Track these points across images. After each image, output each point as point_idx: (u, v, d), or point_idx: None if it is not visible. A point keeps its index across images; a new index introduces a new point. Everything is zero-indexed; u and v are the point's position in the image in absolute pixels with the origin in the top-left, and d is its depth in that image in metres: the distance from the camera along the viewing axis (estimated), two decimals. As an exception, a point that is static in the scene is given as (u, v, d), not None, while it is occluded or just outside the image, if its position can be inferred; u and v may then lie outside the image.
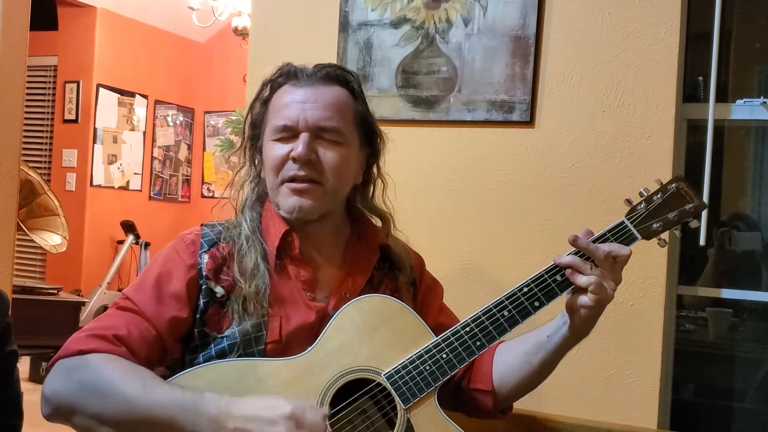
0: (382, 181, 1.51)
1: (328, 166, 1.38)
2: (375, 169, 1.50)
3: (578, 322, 1.35)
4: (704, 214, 1.85)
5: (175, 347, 1.37)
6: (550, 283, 1.35)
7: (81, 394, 1.24)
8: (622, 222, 1.38)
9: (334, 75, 1.42)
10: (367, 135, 1.47)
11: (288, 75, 1.43)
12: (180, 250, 1.40)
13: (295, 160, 1.36)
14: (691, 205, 1.38)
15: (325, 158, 1.37)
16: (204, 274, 1.37)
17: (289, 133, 1.38)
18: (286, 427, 1.17)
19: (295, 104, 1.38)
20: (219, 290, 1.37)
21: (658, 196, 1.38)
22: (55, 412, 1.27)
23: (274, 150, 1.39)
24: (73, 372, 1.26)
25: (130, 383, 1.22)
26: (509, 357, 1.46)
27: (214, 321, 1.36)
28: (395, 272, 1.49)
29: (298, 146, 1.36)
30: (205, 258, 1.39)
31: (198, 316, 1.36)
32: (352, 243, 1.48)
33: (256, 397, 1.23)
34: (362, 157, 1.47)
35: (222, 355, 1.34)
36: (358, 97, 1.45)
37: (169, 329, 1.34)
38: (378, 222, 1.53)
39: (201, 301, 1.36)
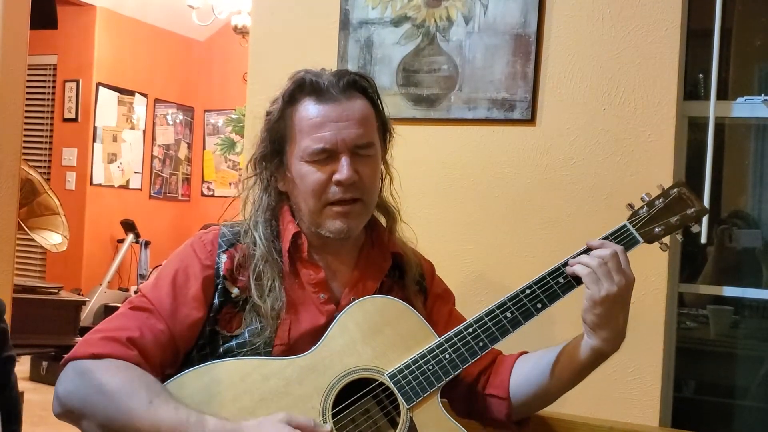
0: (389, 174, 1.51)
1: (368, 181, 1.39)
2: (383, 164, 1.49)
3: (589, 330, 1.34)
4: (705, 212, 1.86)
5: (187, 346, 1.37)
6: (553, 285, 1.35)
7: (90, 401, 1.25)
8: (624, 225, 1.39)
9: (353, 84, 1.40)
10: (384, 135, 1.47)
11: (310, 89, 1.39)
12: (198, 248, 1.40)
13: (339, 183, 1.35)
14: (692, 210, 1.39)
15: (364, 174, 1.38)
16: (221, 273, 1.38)
17: (327, 155, 1.36)
18: None
19: (329, 124, 1.36)
20: (235, 291, 1.38)
21: (660, 200, 1.40)
22: (66, 412, 1.29)
23: (312, 174, 1.37)
24: (85, 376, 1.27)
25: (137, 397, 1.23)
26: (528, 367, 1.46)
27: (226, 320, 1.37)
28: (405, 280, 1.50)
29: (343, 170, 1.35)
30: (223, 258, 1.39)
31: (211, 314, 1.36)
32: (366, 249, 1.48)
33: (257, 421, 1.23)
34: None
35: (229, 353, 1.35)
36: (377, 103, 1.44)
37: (183, 328, 1.35)
38: (382, 219, 1.53)
39: (216, 300, 1.37)
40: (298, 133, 1.38)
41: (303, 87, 1.40)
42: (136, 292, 1.43)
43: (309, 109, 1.38)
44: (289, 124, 1.40)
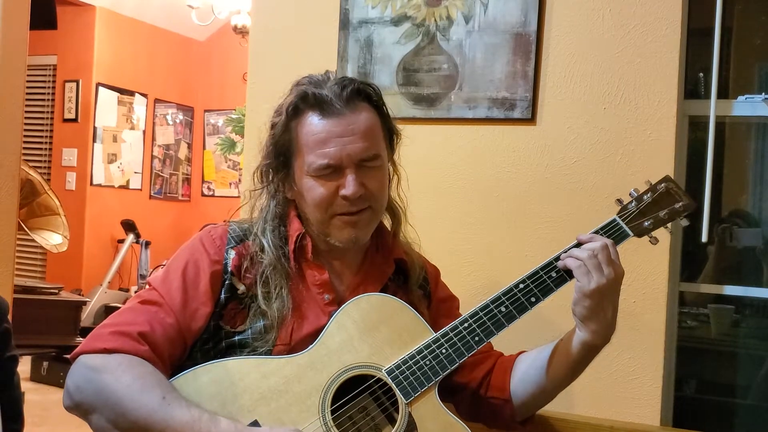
0: (397, 174, 1.51)
1: (375, 191, 1.39)
2: (390, 165, 1.49)
3: (579, 323, 1.35)
4: (706, 210, 1.86)
5: (194, 340, 1.37)
6: (546, 279, 1.38)
7: (100, 398, 1.25)
8: (614, 220, 1.42)
9: (357, 94, 1.39)
10: (391, 139, 1.47)
11: (313, 101, 1.37)
12: (207, 243, 1.41)
13: (345, 198, 1.36)
14: (680, 204, 1.43)
15: (371, 185, 1.38)
16: (229, 269, 1.38)
17: (332, 170, 1.36)
18: None
19: (333, 140, 1.35)
20: (241, 288, 1.38)
21: (648, 195, 1.43)
22: (76, 406, 1.29)
23: (318, 188, 1.37)
24: (95, 373, 1.27)
25: (149, 394, 1.23)
26: (525, 366, 1.47)
27: (230, 316, 1.38)
28: (409, 285, 1.50)
29: (349, 186, 1.35)
30: (232, 254, 1.40)
31: (217, 309, 1.37)
32: (370, 253, 1.49)
33: (269, 427, 1.24)
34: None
35: (231, 349, 1.36)
36: (381, 110, 1.43)
37: (192, 323, 1.35)
38: (387, 221, 1.53)
39: (222, 296, 1.37)
40: (304, 146, 1.38)
41: (306, 99, 1.38)
42: (138, 291, 1.43)
43: (313, 124, 1.37)
44: (294, 138, 1.39)
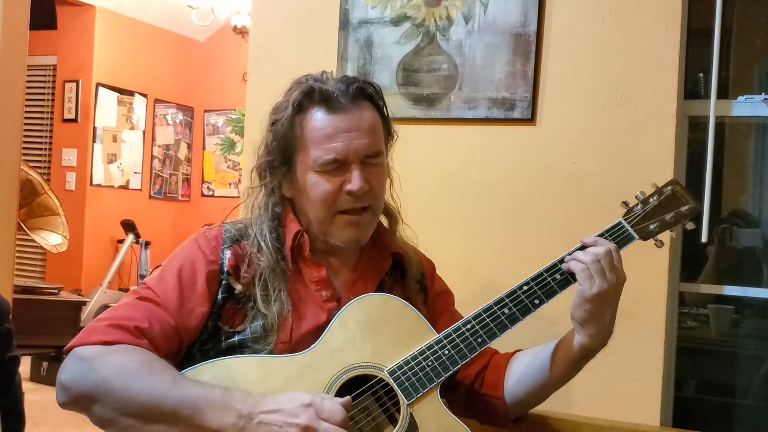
0: (389, 176, 1.51)
1: (377, 188, 1.40)
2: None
3: (577, 326, 1.36)
4: (706, 210, 1.86)
5: (190, 341, 1.37)
6: (550, 282, 1.38)
7: (106, 384, 1.24)
8: (620, 222, 1.41)
9: (361, 92, 1.40)
10: (388, 140, 1.48)
11: (319, 97, 1.38)
12: (202, 244, 1.40)
13: (351, 193, 1.36)
14: (686, 207, 1.42)
15: (374, 183, 1.39)
16: (225, 269, 1.38)
17: (337, 165, 1.37)
18: (306, 415, 1.19)
19: (340, 135, 1.36)
20: (238, 287, 1.38)
21: (654, 198, 1.42)
22: (74, 400, 1.27)
23: (323, 183, 1.37)
24: (96, 361, 1.26)
25: (159, 375, 1.23)
26: (522, 365, 1.47)
27: (229, 316, 1.37)
28: (406, 279, 1.51)
29: (355, 181, 1.35)
30: (228, 254, 1.39)
31: (214, 310, 1.37)
32: (366, 248, 1.49)
33: (278, 393, 1.24)
34: None
35: (231, 349, 1.36)
36: (382, 110, 1.44)
37: (189, 322, 1.35)
38: (384, 220, 1.53)
39: (219, 296, 1.37)
40: (309, 142, 1.38)
41: (312, 95, 1.38)
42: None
43: (319, 119, 1.38)
44: (299, 133, 1.39)
